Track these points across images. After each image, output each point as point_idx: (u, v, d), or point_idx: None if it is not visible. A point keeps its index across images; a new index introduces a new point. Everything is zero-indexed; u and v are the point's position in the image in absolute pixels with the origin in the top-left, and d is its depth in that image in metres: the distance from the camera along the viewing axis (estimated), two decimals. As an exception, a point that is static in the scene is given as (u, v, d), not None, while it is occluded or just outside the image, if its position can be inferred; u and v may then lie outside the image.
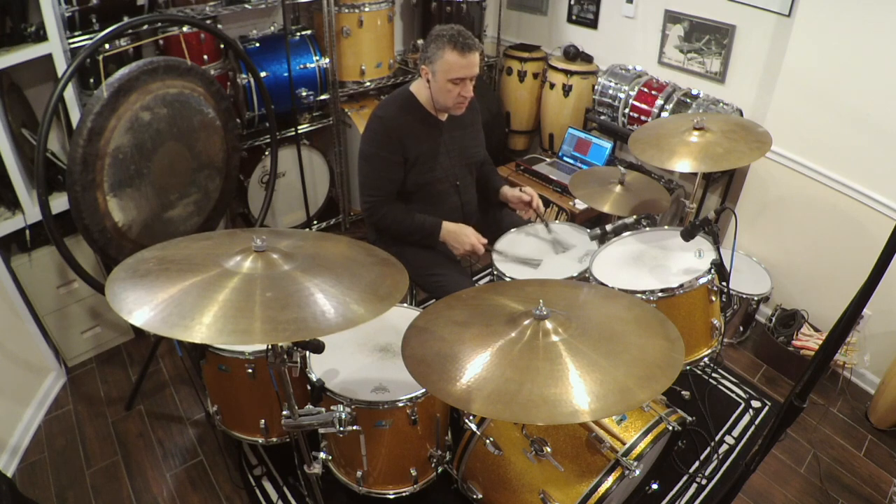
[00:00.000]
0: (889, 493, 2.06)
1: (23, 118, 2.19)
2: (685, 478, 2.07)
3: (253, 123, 2.86)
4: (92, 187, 2.00)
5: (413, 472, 1.73)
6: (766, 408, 2.39)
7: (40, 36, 1.97)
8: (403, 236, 2.05)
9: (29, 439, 2.19)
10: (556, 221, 2.29)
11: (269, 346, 1.26)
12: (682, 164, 1.91)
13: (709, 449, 2.18)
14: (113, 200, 2.08)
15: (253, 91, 2.72)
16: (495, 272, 1.97)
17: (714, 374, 2.52)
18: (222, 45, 2.67)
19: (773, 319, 2.62)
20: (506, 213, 2.36)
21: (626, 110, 3.03)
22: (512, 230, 2.19)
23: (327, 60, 2.93)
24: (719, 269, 1.76)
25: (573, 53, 3.38)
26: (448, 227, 2.01)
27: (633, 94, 3.00)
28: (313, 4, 2.92)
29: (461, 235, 2.00)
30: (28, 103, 2.25)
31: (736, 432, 2.27)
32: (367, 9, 2.88)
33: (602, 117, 3.19)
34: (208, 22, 2.51)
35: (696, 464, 2.12)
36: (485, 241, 2.01)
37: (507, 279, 1.91)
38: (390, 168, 1.97)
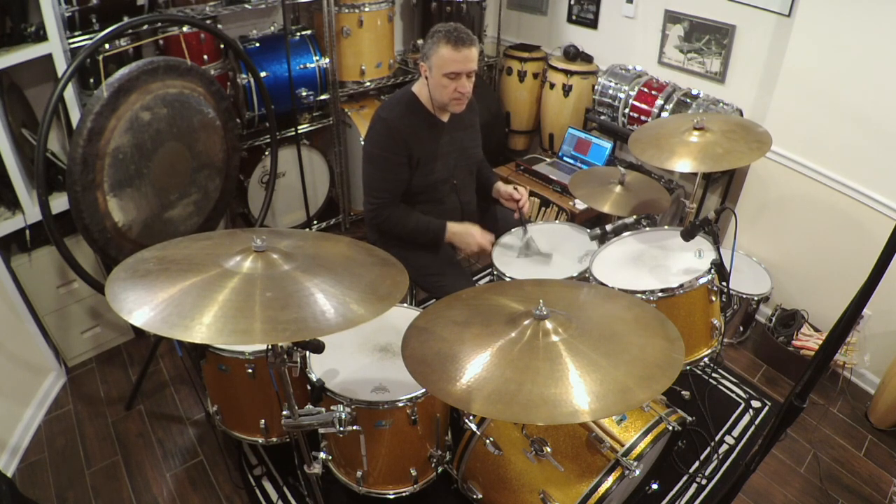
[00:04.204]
0: (889, 493, 2.06)
1: (23, 118, 2.19)
2: (685, 478, 2.07)
3: (253, 123, 2.86)
4: (92, 187, 2.00)
5: (413, 472, 1.73)
6: (766, 408, 2.39)
7: (40, 36, 1.97)
8: (407, 238, 2.05)
9: (29, 439, 2.19)
10: (556, 221, 2.29)
11: (269, 346, 1.26)
12: (682, 164, 1.91)
13: (709, 449, 2.18)
14: (113, 200, 2.08)
15: (253, 91, 2.72)
16: (496, 272, 1.97)
17: (714, 374, 2.52)
18: (222, 45, 2.66)
19: (773, 319, 2.62)
20: (504, 212, 2.36)
21: (626, 110, 3.03)
22: (512, 230, 2.18)
23: (327, 60, 2.93)
24: (719, 269, 1.76)
25: (573, 53, 3.38)
26: (453, 227, 2.01)
27: (633, 94, 3.00)
28: (313, 4, 2.92)
29: (467, 235, 1.99)
30: (28, 103, 2.25)
31: (736, 432, 2.27)
32: (367, 9, 2.88)
33: (602, 117, 3.19)
34: (208, 22, 2.51)
35: (696, 464, 2.12)
36: (492, 237, 2.00)
37: (507, 279, 1.91)
38: (395, 170, 1.97)
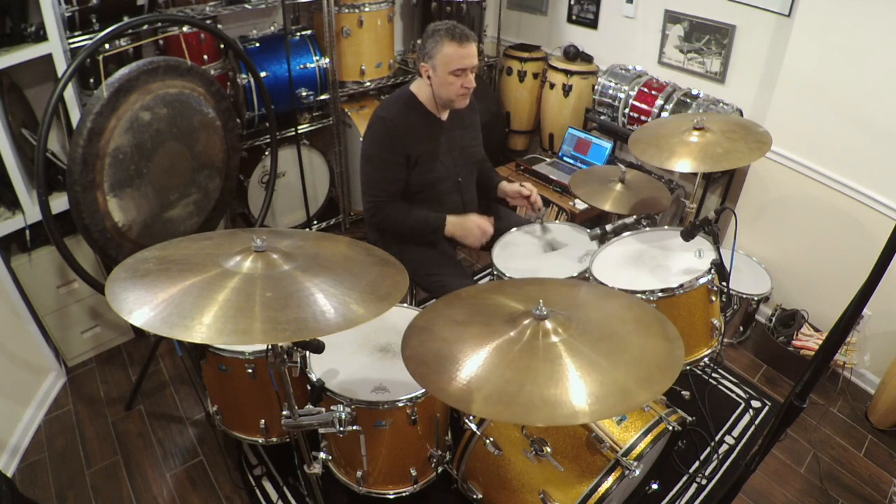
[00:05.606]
0: (889, 493, 2.06)
1: (23, 118, 2.19)
2: (685, 478, 2.07)
3: (253, 123, 2.86)
4: (92, 187, 2.00)
5: (413, 472, 1.73)
6: (766, 408, 2.39)
7: (40, 36, 1.97)
8: (407, 235, 2.05)
9: (29, 439, 2.19)
10: (556, 221, 2.29)
11: (269, 346, 1.26)
12: (682, 164, 1.91)
13: (709, 449, 2.18)
14: (113, 200, 2.08)
15: (253, 91, 2.72)
16: (495, 272, 1.97)
17: (714, 374, 2.52)
18: (222, 45, 2.67)
19: (773, 319, 2.62)
20: (505, 211, 2.36)
21: (626, 110, 3.03)
22: (512, 230, 2.18)
23: (327, 60, 2.93)
24: (719, 269, 1.76)
25: (573, 53, 3.39)
26: (452, 219, 2.01)
27: (633, 94, 3.00)
28: (313, 4, 2.92)
29: (467, 221, 1.99)
30: (28, 103, 2.25)
31: (736, 432, 2.27)
32: (367, 9, 2.88)
33: (602, 117, 3.19)
34: (208, 22, 2.51)
35: (696, 464, 2.12)
36: (490, 218, 1.99)
37: (507, 278, 1.91)
38: (393, 169, 1.97)
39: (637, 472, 1.45)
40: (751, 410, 2.37)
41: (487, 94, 3.59)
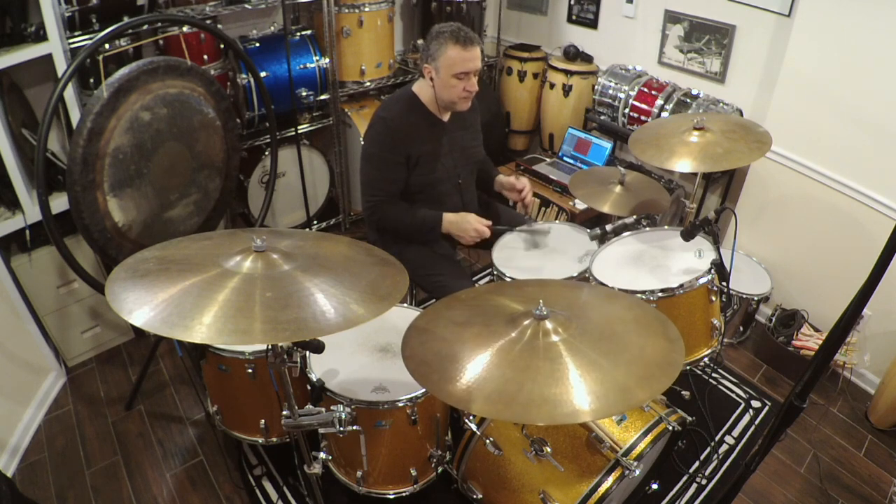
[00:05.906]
0: (889, 493, 2.06)
1: (23, 118, 2.19)
2: (685, 478, 2.07)
3: (253, 123, 2.86)
4: (92, 187, 2.00)
5: (413, 472, 1.73)
6: (766, 408, 2.39)
7: (40, 36, 1.97)
8: (406, 234, 2.05)
9: (29, 439, 2.19)
10: (556, 221, 2.29)
11: (269, 346, 1.26)
12: (682, 164, 1.91)
13: (709, 449, 2.18)
14: (113, 200, 2.08)
15: (253, 91, 2.72)
16: (496, 272, 1.97)
17: (714, 374, 2.52)
18: (222, 45, 2.67)
19: (773, 319, 2.62)
20: (505, 210, 2.36)
21: (626, 110, 3.03)
22: (515, 230, 2.18)
23: (327, 60, 2.93)
24: (719, 269, 1.76)
25: (573, 53, 3.39)
26: (449, 217, 2.01)
27: (633, 94, 3.00)
28: (313, 4, 2.92)
29: (463, 223, 2.00)
30: (28, 103, 2.25)
31: (736, 432, 2.27)
32: (367, 9, 2.88)
33: (602, 117, 3.19)
34: (208, 22, 2.51)
35: (696, 464, 2.12)
36: (488, 222, 2.00)
37: (508, 279, 1.91)
38: (393, 169, 1.97)
39: (637, 472, 1.45)
40: (751, 410, 2.37)
41: (487, 94, 3.59)
